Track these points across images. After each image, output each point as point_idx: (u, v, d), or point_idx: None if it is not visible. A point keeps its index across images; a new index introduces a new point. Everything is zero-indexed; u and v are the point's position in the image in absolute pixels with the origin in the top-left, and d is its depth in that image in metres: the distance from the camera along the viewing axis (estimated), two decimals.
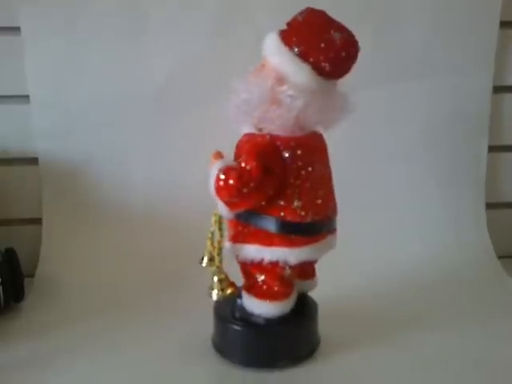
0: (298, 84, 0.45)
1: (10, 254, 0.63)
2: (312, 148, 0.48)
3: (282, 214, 0.47)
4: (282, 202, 0.47)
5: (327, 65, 0.45)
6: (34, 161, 0.73)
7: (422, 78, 0.73)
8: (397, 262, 0.71)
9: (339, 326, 0.56)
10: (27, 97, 0.71)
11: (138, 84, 0.71)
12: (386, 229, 0.75)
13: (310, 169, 0.47)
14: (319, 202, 0.48)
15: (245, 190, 0.45)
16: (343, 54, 0.45)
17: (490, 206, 0.77)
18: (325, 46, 0.45)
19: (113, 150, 0.73)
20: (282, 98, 0.45)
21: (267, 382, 0.49)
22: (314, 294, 0.55)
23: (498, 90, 0.75)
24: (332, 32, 0.45)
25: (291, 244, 0.48)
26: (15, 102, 0.72)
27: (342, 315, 0.58)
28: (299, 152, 0.47)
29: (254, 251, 0.48)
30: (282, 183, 0.47)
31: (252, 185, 0.45)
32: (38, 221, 0.73)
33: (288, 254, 0.48)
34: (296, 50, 0.45)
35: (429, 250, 0.73)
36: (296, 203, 0.47)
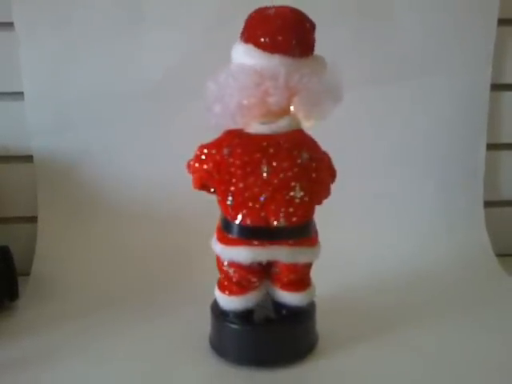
0: (247, 64, 0.46)
1: (4, 251, 0.63)
2: (258, 149, 0.47)
3: (221, 208, 0.49)
4: (219, 197, 0.48)
5: (267, 38, 0.46)
6: (29, 158, 0.72)
7: (420, 77, 0.73)
8: (394, 259, 0.70)
9: (337, 324, 0.56)
10: (21, 93, 0.71)
11: (134, 80, 0.70)
12: (384, 227, 0.74)
13: (248, 169, 0.47)
14: (256, 206, 0.47)
15: (190, 171, 0.50)
16: (278, 22, 0.46)
17: (488, 204, 0.76)
18: (260, 23, 0.47)
19: (109, 147, 0.72)
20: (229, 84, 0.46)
21: (265, 380, 0.49)
22: None
23: (497, 87, 0.75)
24: (268, 11, 0.47)
25: (225, 241, 0.48)
26: (9, 98, 0.71)
27: (340, 312, 0.58)
28: (239, 150, 0.47)
29: (213, 244, 0.50)
30: (218, 178, 0.48)
31: (190, 170, 0.50)
32: (33, 219, 0.73)
33: (221, 251, 0.49)
34: (241, 38, 0.48)
35: (426, 248, 0.72)
36: (229, 201, 0.48)
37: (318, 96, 0.46)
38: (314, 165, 0.48)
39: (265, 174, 0.47)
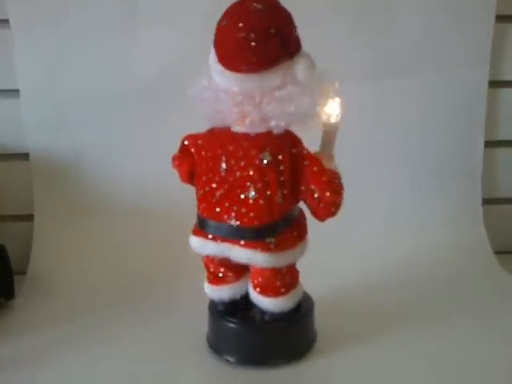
0: (213, 77, 0.46)
1: (0, 250, 0.62)
2: (220, 145, 0.47)
3: None
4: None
5: (219, 53, 0.45)
6: (25, 156, 0.72)
7: (418, 73, 0.72)
8: (393, 257, 0.70)
9: (336, 323, 0.56)
10: (17, 91, 0.70)
11: (130, 78, 0.70)
12: (382, 224, 0.74)
13: (210, 164, 0.48)
14: (213, 200, 0.47)
15: (174, 164, 0.52)
16: (224, 38, 0.44)
17: (486, 201, 0.76)
18: (217, 37, 0.46)
19: (105, 145, 0.72)
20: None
21: (263, 379, 0.49)
22: (309, 290, 0.54)
23: (494, 84, 0.74)
24: (223, 21, 0.45)
25: (193, 231, 0.50)
26: (5, 96, 0.71)
27: (339, 311, 0.58)
28: (206, 145, 0.48)
29: None
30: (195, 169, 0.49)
31: (175, 163, 0.51)
32: (29, 217, 0.72)
33: (189, 240, 0.49)
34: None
35: (425, 246, 0.72)
36: (198, 192, 0.49)
37: (288, 116, 0.45)
38: (281, 167, 0.46)
39: (223, 172, 0.47)
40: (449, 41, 0.72)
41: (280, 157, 0.46)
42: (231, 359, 0.51)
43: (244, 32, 0.43)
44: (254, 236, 0.47)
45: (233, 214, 0.47)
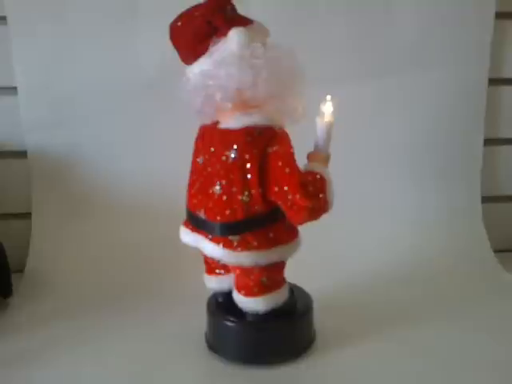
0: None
1: None
2: (201, 139, 0.49)
3: None
4: None
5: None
6: (22, 154, 0.72)
7: (417, 71, 0.72)
8: (393, 255, 0.70)
9: (335, 321, 0.56)
10: (15, 88, 0.70)
11: (129, 76, 0.70)
12: (382, 223, 0.74)
13: (194, 156, 0.50)
14: (192, 192, 0.49)
15: None
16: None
17: (485, 199, 0.76)
18: None
19: (102, 143, 0.72)
20: None
21: (262, 378, 0.48)
22: (308, 289, 0.54)
23: (494, 82, 0.74)
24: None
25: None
26: (3, 93, 0.71)
27: (338, 310, 0.58)
28: (197, 138, 0.50)
29: None
30: None
31: None
32: (27, 215, 0.72)
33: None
34: None
35: (424, 244, 0.72)
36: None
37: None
38: (248, 166, 0.45)
39: (200, 165, 0.49)
40: (448, 38, 0.72)
41: (247, 155, 0.45)
42: (230, 359, 0.50)
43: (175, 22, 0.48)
44: (218, 231, 0.47)
45: (202, 207, 0.48)
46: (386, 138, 0.74)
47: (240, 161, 0.45)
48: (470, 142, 0.75)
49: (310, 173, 0.46)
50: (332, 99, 0.48)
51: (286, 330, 0.50)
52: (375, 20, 0.71)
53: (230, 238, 0.47)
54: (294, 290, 0.53)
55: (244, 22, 0.46)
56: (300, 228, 0.49)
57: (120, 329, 0.56)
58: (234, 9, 0.47)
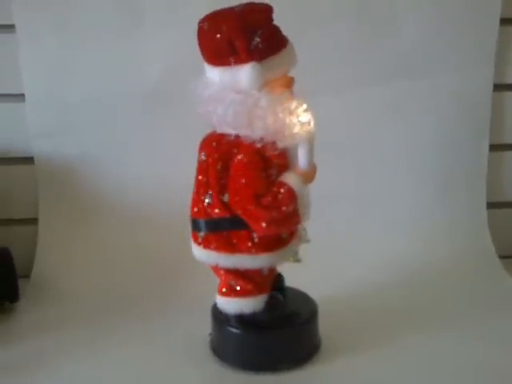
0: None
1: (5, 253, 0.63)
2: (200, 144, 0.49)
3: None
4: None
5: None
6: (29, 160, 0.72)
7: (422, 77, 0.72)
8: (396, 261, 0.70)
9: (340, 328, 0.56)
10: (22, 95, 0.70)
11: (134, 82, 0.70)
12: (386, 227, 0.74)
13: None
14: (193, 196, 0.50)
15: None
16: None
17: (491, 205, 0.76)
18: None
19: (110, 149, 0.72)
20: None
21: None
22: (313, 295, 0.54)
23: (499, 88, 0.74)
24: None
25: None
26: (10, 100, 0.71)
27: (343, 317, 0.57)
28: None
29: None
30: None
31: None
32: (33, 221, 0.73)
33: None
34: None
35: (429, 250, 0.72)
36: None
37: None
38: (208, 169, 0.47)
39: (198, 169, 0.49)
40: (453, 44, 0.72)
41: (210, 159, 0.47)
42: (234, 365, 0.50)
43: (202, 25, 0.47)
44: (191, 225, 0.49)
45: (193, 211, 0.50)
46: (390, 142, 0.74)
47: (205, 164, 0.47)
48: (475, 147, 0.75)
49: (278, 184, 0.46)
50: (308, 109, 0.45)
51: (290, 337, 0.50)
52: (379, 25, 0.71)
53: (200, 233, 0.49)
54: (299, 297, 0.53)
55: (270, 50, 0.45)
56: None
57: (125, 333, 0.57)
58: (265, 33, 0.44)
